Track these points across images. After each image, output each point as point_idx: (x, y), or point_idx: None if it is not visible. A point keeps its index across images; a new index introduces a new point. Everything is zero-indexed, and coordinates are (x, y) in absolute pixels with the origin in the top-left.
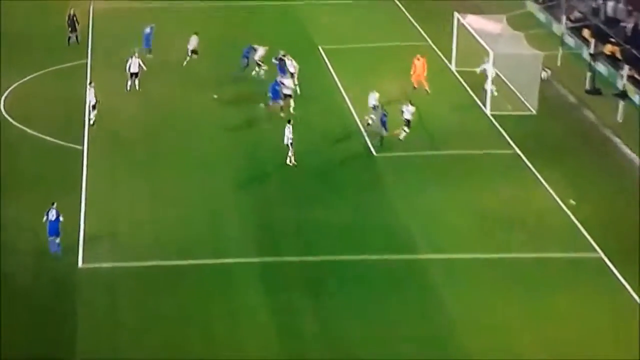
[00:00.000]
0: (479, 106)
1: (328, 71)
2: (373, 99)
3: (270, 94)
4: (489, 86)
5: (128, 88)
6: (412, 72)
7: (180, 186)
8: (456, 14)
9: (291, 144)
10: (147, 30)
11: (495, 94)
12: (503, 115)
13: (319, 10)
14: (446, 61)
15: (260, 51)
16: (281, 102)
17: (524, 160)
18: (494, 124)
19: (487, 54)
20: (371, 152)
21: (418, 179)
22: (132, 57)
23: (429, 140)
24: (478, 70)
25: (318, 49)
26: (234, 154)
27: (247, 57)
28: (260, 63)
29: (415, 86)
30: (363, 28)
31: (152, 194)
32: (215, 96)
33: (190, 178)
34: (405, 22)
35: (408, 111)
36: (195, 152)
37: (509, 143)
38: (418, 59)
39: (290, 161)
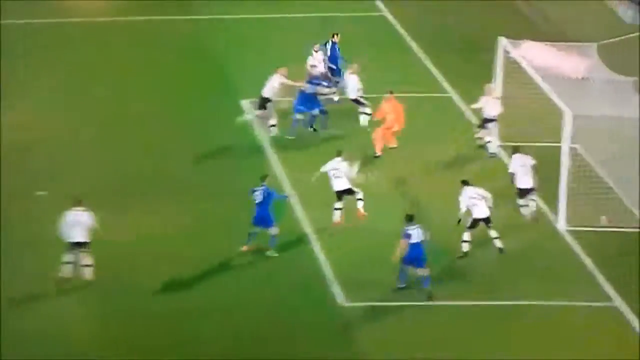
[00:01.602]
0: (545, 215)
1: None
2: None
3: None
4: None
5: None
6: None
7: None
8: (502, 39)
9: None
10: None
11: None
12: (592, 234)
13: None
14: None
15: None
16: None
17: (627, 320)
18: (573, 251)
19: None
20: (335, 299)
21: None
22: None
23: (461, 281)
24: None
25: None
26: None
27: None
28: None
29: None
30: None
31: None
32: (40, 193)
33: None
34: (409, 55)
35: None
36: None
37: (600, 287)
38: (388, 101)
39: None
